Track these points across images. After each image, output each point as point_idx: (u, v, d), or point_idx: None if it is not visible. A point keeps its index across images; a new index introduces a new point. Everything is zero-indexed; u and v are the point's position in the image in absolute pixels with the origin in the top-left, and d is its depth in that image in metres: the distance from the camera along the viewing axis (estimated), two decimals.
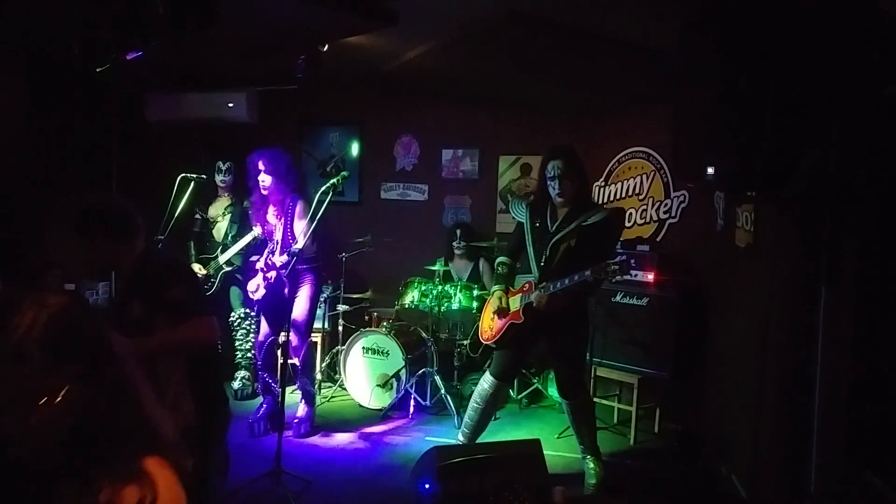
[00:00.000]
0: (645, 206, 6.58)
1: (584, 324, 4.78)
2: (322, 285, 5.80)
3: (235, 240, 6.15)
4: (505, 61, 5.68)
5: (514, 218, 4.83)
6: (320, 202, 4.62)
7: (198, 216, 6.33)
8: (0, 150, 5.54)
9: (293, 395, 6.06)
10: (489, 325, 4.80)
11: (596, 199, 7.01)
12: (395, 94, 7.37)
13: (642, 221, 6.60)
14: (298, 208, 5.21)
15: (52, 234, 5.44)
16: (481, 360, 6.00)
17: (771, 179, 3.18)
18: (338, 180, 4.65)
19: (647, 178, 6.58)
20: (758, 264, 4.35)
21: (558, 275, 4.37)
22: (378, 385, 6.06)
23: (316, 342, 6.53)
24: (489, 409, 4.85)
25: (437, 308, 6.19)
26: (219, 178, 6.34)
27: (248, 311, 6.29)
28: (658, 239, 6.39)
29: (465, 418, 4.91)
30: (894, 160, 3.14)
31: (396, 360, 6.01)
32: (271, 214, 5.36)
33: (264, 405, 5.56)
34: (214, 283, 6.23)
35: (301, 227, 5.13)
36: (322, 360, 6.67)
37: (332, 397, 6.37)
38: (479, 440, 4.90)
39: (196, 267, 6.25)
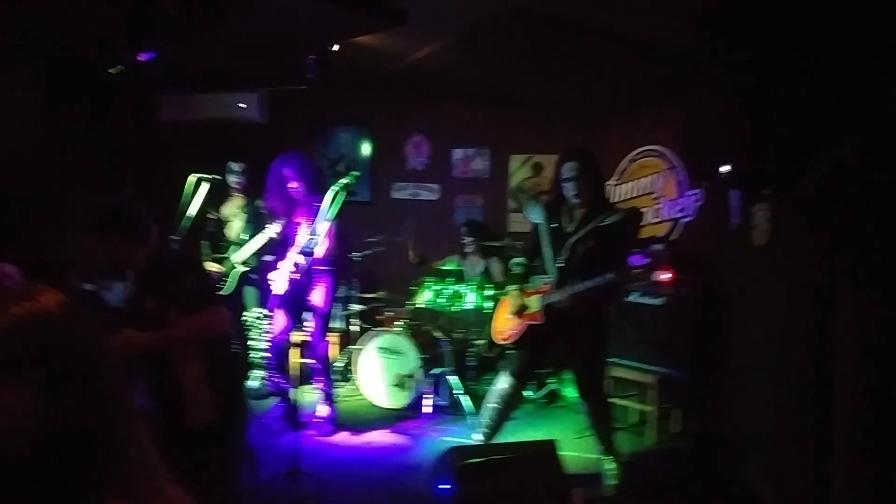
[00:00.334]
0: (658, 205, 6.55)
1: (603, 326, 4.74)
2: (338, 288, 5.77)
3: (249, 239, 6.14)
4: (515, 60, 5.67)
5: (529, 219, 4.79)
6: (332, 203, 4.61)
7: (211, 216, 6.32)
8: (16, 150, 5.55)
9: (309, 395, 6.05)
10: (504, 325, 4.77)
11: (609, 198, 6.97)
12: (406, 93, 7.36)
13: (656, 220, 6.56)
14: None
15: (70, 234, 5.45)
16: (496, 359, 5.98)
17: (786, 177, 3.15)
18: (349, 180, 4.63)
19: (661, 177, 6.54)
20: (774, 264, 4.31)
21: (576, 276, 4.35)
22: (393, 385, 6.05)
23: (331, 341, 6.52)
24: (506, 410, 4.83)
25: (450, 308, 6.17)
26: (233, 179, 6.33)
27: (262, 310, 6.28)
28: (672, 238, 6.35)
29: (482, 418, 4.89)
30: None
31: (411, 359, 5.99)
32: (298, 217, 5.37)
33: (279, 404, 5.56)
34: (229, 282, 6.22)
35: (328, 230, 5.13)
36: (337, 360, 6.66)
37: (348, 397, 6.36)
38: (496, 440, 4.88)
39: (211, 267, 6.25)
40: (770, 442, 4.23)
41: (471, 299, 6.23)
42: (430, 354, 6.08)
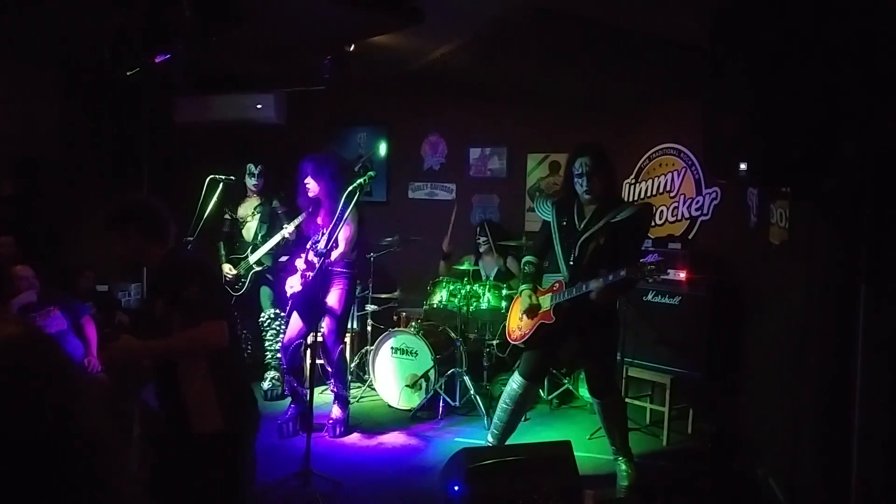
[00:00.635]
0: (676, 204, 6.50)
1: (614, 322, 4.71)
2: (355, 290, 5.76)
3: (265, 240, 6.16)
4: (532, 58, 5.63)
5: (540, 216, 4.77)
6: (347, 202, 4.61)
7: (227, 216, 6.35)
8: (33, 154, 5.61)
9: (323, 396, 6.06)
10: (517, 325, 4.75)
11: (626, 196, 6.94)
12: (422, 93, 7.35)
13: (674, 219, 6.51)
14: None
15: (87, 234, 5.50)
16: (511, 360, 5.95)
17: (806, 173, 3.10)
18: (364, 180, 4.63)
19: (678, 175, 6.49)
20: (794, 262, 4.25)
21: (588, 274, 4.31)
22: (407, 385, 6.04)
23: (346, 343, 6.52)
24: (519, 410, 4.80)
25: (465, 308, 6.15)
26: (251, 181, 6.34)
27: (278, 311, 6.30)
28: (690, 237, 6.30)
29: (495, 419, 4.86)
30: None
31: (425, 360, 5.98)
32: (319, 218, 5.39)
33: (293, 406, 5.55)
34: (245, 283, 6.25)
35: (344, 234, 5.14)
36: (351, 361, 6.66)
37: (361, 398, 6.35)
38: (509, 441, 4.86)
39: (227, 267, 6.29)
40: (786, 443, 4.18)
41: (486, 299, 6.21)
42: (445, 355, 6.06)
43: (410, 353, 6.08)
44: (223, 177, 5.74)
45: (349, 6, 4.31)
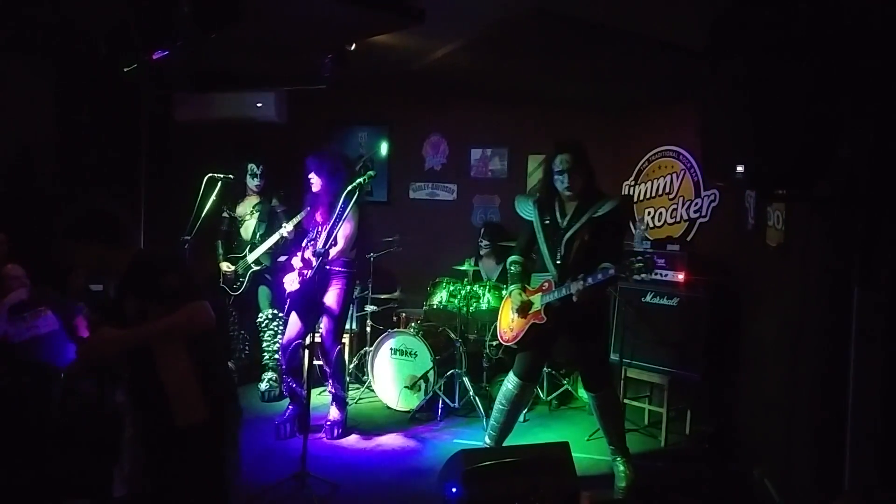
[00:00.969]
0: (675, 206, 6.51)
1: (603, 318, 4.80)
2: (353, 290, 5.76)
3: (264, 238, 6.16)
4: (533, 59, 5.64)
5: (521, 216, 4.78)
6: (346, 201, 4.62)
7: (226, 215, 6.35)
8: (29, 151, 5.58)
9: (321, 397, 6.06)
10: (509, 327, 4.75)
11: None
12: (424, 93, 7.35)
13: (672, 221, 6.52)
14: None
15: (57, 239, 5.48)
16: (510, 360, 5.93)
17: (801, 177, 3.11)
18: (364, 179, 4.63)
19: (677, 178, 6.50)
20: (789, 264, 4.26)
21: (576, 271, 4.34)
22: (406, 387, 6.03)
23: (344, 344, 6.52)
24: (514, 411, 4.80)
25: (465, 308, 6.15)
26: (253, 182, 6.33)
27: (276, 311, 6.30)
28: (688, 238, 6.31)
29: (491, 420, 4.87)
30: None
31: (425, 361, 5.98)
32: (319, 215, 5.39)
33: (290, 407, 5.55)
34: (243, 282, 6.25)
35: (343, 231, 5.14)
36: (350, 362, 6.65)
37: (360, 399, 6.34)
38: (509, 442, 4.86)
39: (224, 266, 6.29)
40: (782, 444, 4.18)
41: (486, 300, 6.21)
42: (444, 356, 6.06)
43: (410, 354, 6.08)
44: (221, 175, 5.75)
45: (350, 5, 4.31)
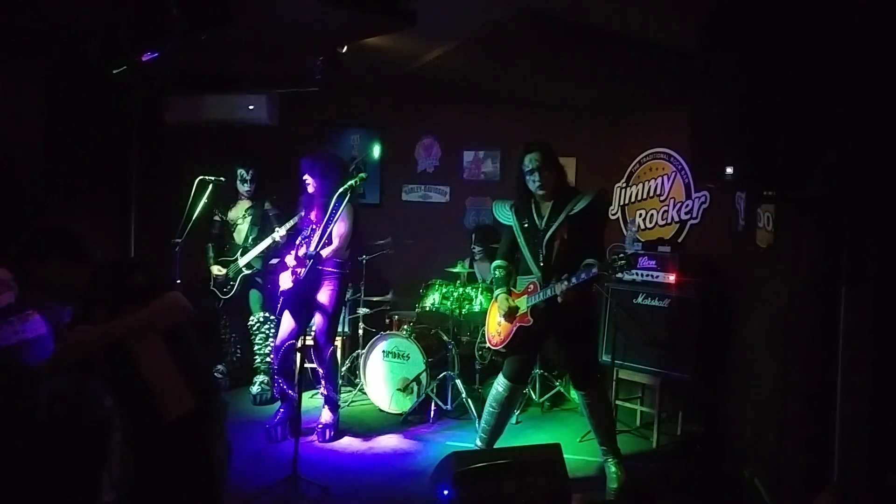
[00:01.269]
0: (666, 207, 6.52)
1: (590, 315, 4.80)
2: (345, 290, 5.75)
3: (256, 242, 6.15)
4: (526, 62, 5.65)
5: (499, 220, 4.82)
6: (337, 204, 4.62)
7: (217, 218, 6.34)
8: (17, 154, 5.54)
9: (313, 400, 6.04)
10: (496, 330, 4.77)
11: (618, 200, 6.97)
12: (417, 95, 7.35)
13: (664, 222, 6.54)
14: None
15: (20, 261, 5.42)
16: (503, 363, 5.94)
17: (789, 179, 3.12)
18: (355, 181, 4.63)
19: (669, 179, 6.52)
20: (779, 265, 4.28)
21: (561, 270, 4.37)
22: (398, 389, 6.02)
23: (336, 346, 6.51)
24: (505, 413, 4.81)
25: (458, 310, 6.15)
26: (243, 187, 6.31)
27: (267, 315, 6.29)
28: (679, 240, 6.33)
29: (482, 422, 4.86)
30: None
31: (417, 363, 5.97)
32: (313, 214, 5.40)
33: (282, 410, 5.54)
34: (234, 286, 6.24)
35: (338, 230, 5.14)
36: (342, 365, 6.64)
37: (352, 402, 6.33)
38: (501, 444, 4.86)
39: (216, 269, 6.27)
40: (772, 444, 4.19)
41: (479, 302, 6.21)
42: (437, 358, 6.05)
43: (402, 356, 6.07)
44: (212, 178, 5.73)
45: (340, 7, 4.31)
